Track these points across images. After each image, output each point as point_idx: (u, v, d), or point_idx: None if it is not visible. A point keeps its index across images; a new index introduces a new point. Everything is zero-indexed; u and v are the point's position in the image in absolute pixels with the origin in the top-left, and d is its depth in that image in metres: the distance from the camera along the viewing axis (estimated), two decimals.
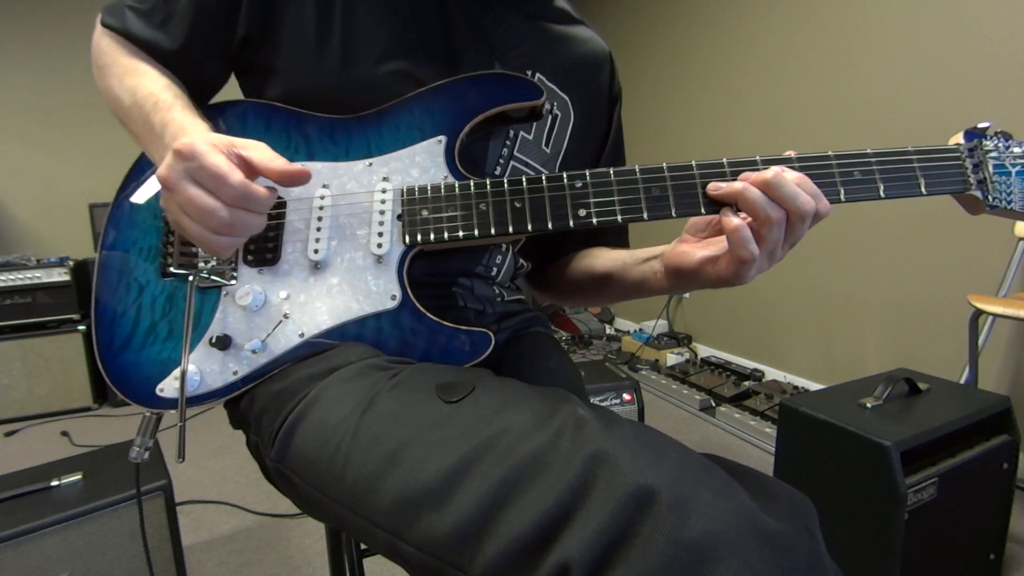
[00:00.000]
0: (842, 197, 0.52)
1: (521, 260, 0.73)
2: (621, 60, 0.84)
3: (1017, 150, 0.53)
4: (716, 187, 0.51)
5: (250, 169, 0.48)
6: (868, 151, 0.53)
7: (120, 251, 0.58)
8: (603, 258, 0.71)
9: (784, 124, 2.37)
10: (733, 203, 0.50)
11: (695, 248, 0.55)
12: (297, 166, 0.49)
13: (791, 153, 0.53)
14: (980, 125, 0.54)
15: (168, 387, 0.55)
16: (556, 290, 0.79)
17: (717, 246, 0.54)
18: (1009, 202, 0.52)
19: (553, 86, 0.67)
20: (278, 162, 0.48)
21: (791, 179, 0.48)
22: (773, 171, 0.48)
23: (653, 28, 3.08)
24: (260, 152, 0.48)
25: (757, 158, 0.52)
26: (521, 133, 0.65)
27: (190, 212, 0.46)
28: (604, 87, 0.74)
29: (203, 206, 0.46)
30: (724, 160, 0.52)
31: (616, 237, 0.75)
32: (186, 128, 0.52)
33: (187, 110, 0.55)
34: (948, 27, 1.78)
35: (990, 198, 0.52)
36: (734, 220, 0.49)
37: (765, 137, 2.46)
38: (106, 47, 0.60)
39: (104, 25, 0.60)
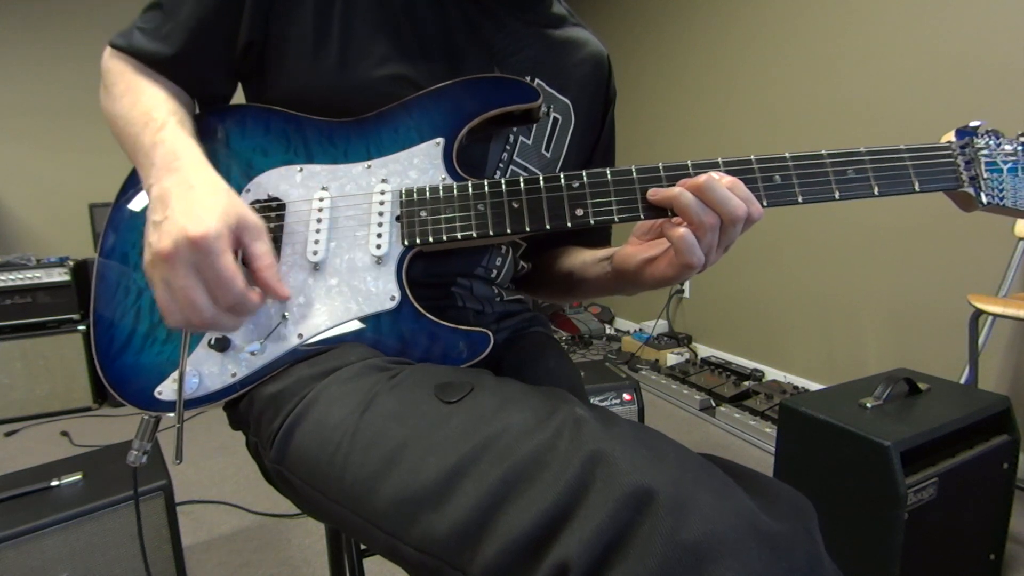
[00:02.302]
0: (836, 196, 0.52)
1: (521, 262, 0.73)
2: (618, 60, 0.84)
3: (1008, 147, 0.54)
4: (655, 192, 0.52)
5: (250, 265, 0.49)
6: (861, 149, 0.53)
7: (119, 254, 0.58)
8: (571, 257, 0.73)
9: (779, 124, 2.37)
10: (669, 207, 0.51)
11: (638, 250, 0.57)
12: (286, 290, 0.50)
13: (786, 155, 0.53)
14: (971, 124, 0.54)
15: (167, 390, 0.55)
16: (532, 285, 0.81)
17: (658, 248, 0.55)
18: (1001, 199, 0.53)
19: (553, 91, 0.67)
20: (271, 272, 0.49)
21: (724, 184, 0.49)
22: (705, 176, 0.50)
23: (649, 29, 3.08)
24: (262, 248, 0.49)
25: (752, 157, 0.52)
26: (521, 137, 0.65)
27: (176, 296, 0.46)
28: (602, 90, 0.74)
29: (194, 300, 0.45)
30: (719, 159, 0.53)
31: (597, 237, 0.76)
32: (178, 154, 0.51)
33: (181, 127, 0.54)
34: (940, 28, 1.79)
35: (983, 195, 0.53)
36: (679, 229, 0.50)
37: (760, 137, 2.46)
38: (113, 68, 0.60)
39: (112, 46, 0.60)
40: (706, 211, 0.49)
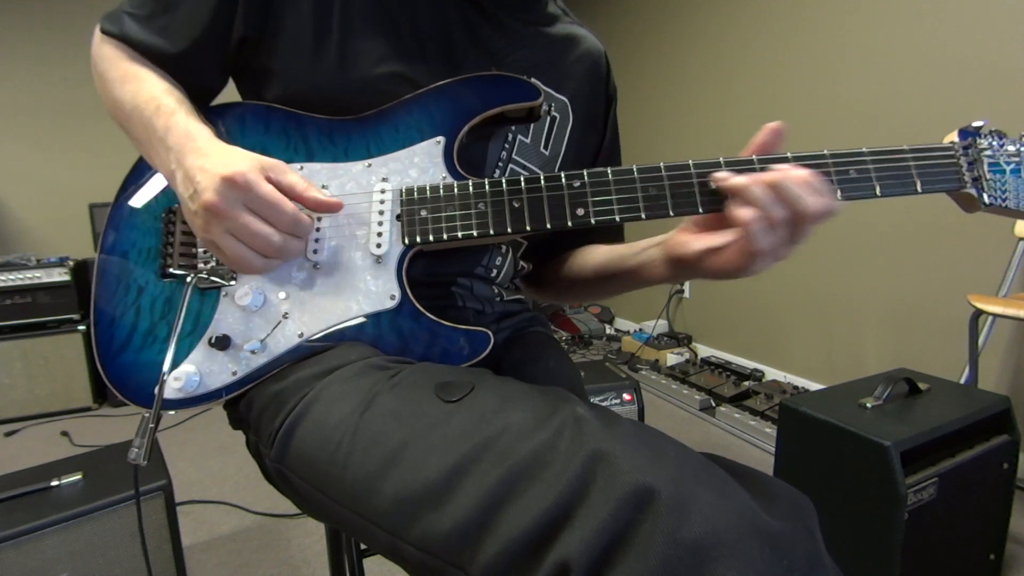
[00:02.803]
0: (839, 196, 0.52)
1: (521, 263, 0.73)
2: (617, 60, 0.84)
3: (1011, 148, 0.53)
4: (724, 177, 0.50)
5: (290, 196, 0.51)
6: (864, 150, 0.52)
7: (119, 253, 0.58)
8: (601, 251, 0.71)
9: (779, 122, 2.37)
10: (737, 197, 0.49)
11: (695, 238, 0.53)
12: (332, 198, 0.52)
13: (788, 154, 0.53)
14: (974, 124, 0.54)
15: (167, 388, 0.54)
16: (553, 287, 0.79)
17: (721, 237, 0.51)
18: (1004, 199, 0.53)
19: (550, 89, 0.67)
20: (313, 191, 0.52)
21: (797, 179, 0.46)
22: (779, 174, 0.47)
23: (649, 28, 3.08)
24: (293, 177, 0.51)
25: (754, 158, 0.52)
26: (519, 136, 0.65)
27: (242, 236, 0.49)
28: (601, 87, 0.74)
29: (258, 231, 0.49)
30: (720, 159, 0.52)
31: (614, 235, 0.75)
32: (192, 134, 0.52)
33: (191, 115, 0.55)
34: (942, 28, 1.79)
35: (985, 196, 0.52)
36: (748, 212, 0.47)
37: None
38: (106, 53, 0.60)
39: (103, 32, 0.60)
40: (776, 203, 0.47)
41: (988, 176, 0.53)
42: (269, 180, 0.50)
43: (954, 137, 0.54)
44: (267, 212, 0.49)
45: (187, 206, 0.51)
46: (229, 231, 0.49)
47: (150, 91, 0.56)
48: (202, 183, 0.48)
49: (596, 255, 0.71)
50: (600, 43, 0.75)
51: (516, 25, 0.66)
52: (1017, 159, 0.53)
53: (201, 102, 0.61)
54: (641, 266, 0.62)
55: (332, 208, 0.52)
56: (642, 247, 0.63)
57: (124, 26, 0.59)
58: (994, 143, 0.53)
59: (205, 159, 0.50)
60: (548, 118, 0.67)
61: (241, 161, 0.49)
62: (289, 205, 0.50)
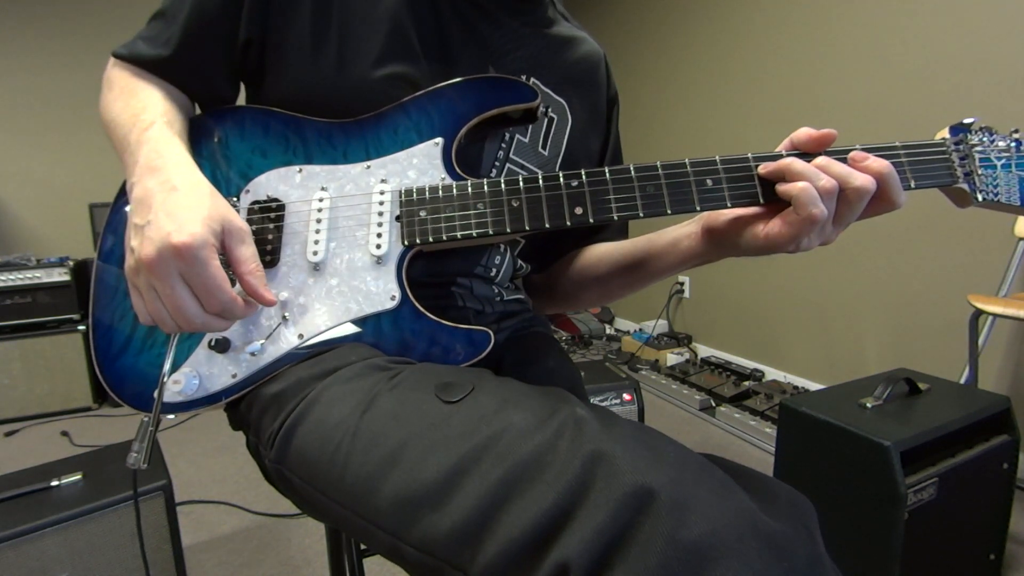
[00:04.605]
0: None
1: (520, 262, 0.73)
2: (618, 62, 0.84)
3: (1001, 144, 0.54)
4: (765, 166, 0.51)
5: (234, 269, 0.48)
6: (857, 147, 0.53)
7: (117, 257, 0.58)
8: (619, 245, 0.70)
9: (776, 122, 2.37)
10: (780, 179, 0.50)
11: (736, 214, 0.54)
12: (272, 296, 0.49)
13: (782, 152, 0.53)
14: (965, 120, 0.55)
15: (167, 391, 0.54)
16: (567, 292, 0.78)
17: (765, 216, 0.52)
18: (996, 194, 0.53)
19: (549, 91, 0.67)
20: (257, 276, 0.49)
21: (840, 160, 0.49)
22: (823, 157, 0.50)
23: (649, 29, 3.08)
24: (247, 252, 0.49)
25: (749, 155, 0.52)
26: (517, 136, 0.65)
27: (165, 304, 0.46)
28: (601, 89, 0.74)
29: (182, 307, 0.45)
30: (716, 158, 0.53)
31: (618, 234, 0.75)
32: (161, 152, 0.51)
33: (168, 127, 0.54)
34: (936, 26, 1.79)
35: (978, 192, 0.53)
36: (797, 184, 0.48)
37: (758, 136, 2.46)
38: (112, 76, 0.61)
39: (114, 55, 0.61)
40: (820, 175, 0.48)
41: (980, 171, 0.53)
42: (223, 245, 0.48)
43: (945, 133, 0.55)
44: (201, 292, 0.46)
45: (129, 231, 0.48)
46: (154, 288, 0.46)
47: (135, 106, 0.56)
48: (149, 231, 0.45)
49: (615, 249, 0.70)
50: (600, 46, 0.75)
51: (515, 25, 0.66)
52: (1007, 154, 0.54)
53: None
54: (676, 241, 0.62)
55: (265, 303, 0.49)
56: (680, 234, 0.62)
57: (134, 47, 0.60)
58: (984, 139, 0.54)
59: (168, 199, 0.47)
60: (546, 119, 0.67)
61: (197, 224, 0.45)
62: (227, 292, 0.46)
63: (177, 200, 0.47)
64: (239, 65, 0.62)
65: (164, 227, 0.45)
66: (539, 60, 0.67)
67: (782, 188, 0.50)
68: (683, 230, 0.62)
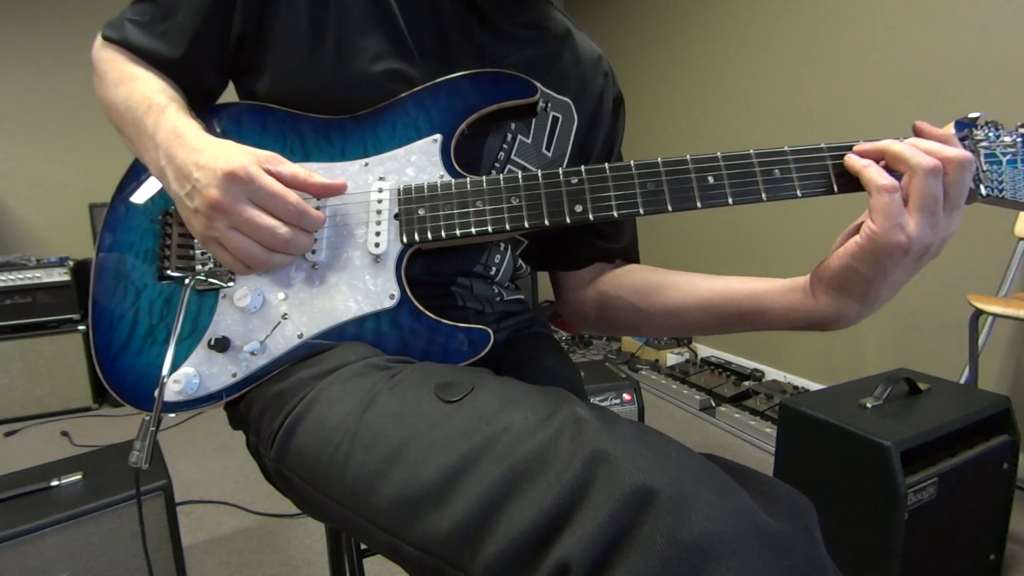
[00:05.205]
0: (836, 189, 0.52)
1: (521, 262, 0.73)
2: (617, 62, 0.84)
3: (1007, 139, 0.53)
4: (860, 148, 0.50)
5: (291, 185, 0.51)
6: (860, 142, 0.52)
7: (117, 255, 0.58)
8: (699, 282, 0.63)
9: (777, 121, 2.37)
10: (879, 160, 0.49)
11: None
12: (342, 182, 0.53)
13: (785, 148, 0.53)
14: (970, 115, 0.54)
15: (167, 391, 0.54)
16: (611, 317, 0.71)
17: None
18: (1000, 191, 0.52)
19: (550, 90, 0.67)
20: (316, 177, 0.52)
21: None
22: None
23: (647, 28, 3.08)
24: (291, 167, 0.51)
25: (751, 151, 0.52)
26: (519, 136, 0.64)
27: (248, 231, 0.49)
28: (606, 90, 0.73)
29: (264, 225, 0.49)
30: (718, 154, 0.52)
31: (618, 232, 0.72)
32: (179, 130, 0.52)
33: (181, 112, 0.55)
34: (940, 22, 1.78)
35: (982, 187, 0.52)
36: (883, 179, 0.46)
37: (761, 136, 2.46)
38: (105, 57, 0.60)
39: (104, 38, 0.60)
40: (919, 153, 0.46)
41: (984, 167, 0.53)
42: (268, 172, 0.50)
43: (950, 128, 0.54)
44: (271, 204, 0.49)
45: (184, 204, 0.51)
46: (234, 226, 0.49)
47: (143, 91, 0.56)
48: (201, 180, 0.48)
49: (697, 285, 0.63)
50: (598, 47, 0.74)
51: (514, 28, 0.65)
52: (1013, 150, 0.53)
53: (202, 105, 0.61)
54: (785, 290, 0.56)
55: (337, 190, 0.53)
56: (789, 286, 0.56)
57: (125, 32, 0.59)
58: (990, 134, 0.53)
59: (199, 154, 0.50)
60: (550, 118, 0.67)
61: (239, 154, 0.49)
62: (293, 196, 0.50)
63: (208, 152, 0.50)
64: (232, 59, 0.62)
65: (210, 168, 0.48)
66: (538, 61, 0.66)
67: (869, 180, 0.47)
68: (790, 284, 0.56)
